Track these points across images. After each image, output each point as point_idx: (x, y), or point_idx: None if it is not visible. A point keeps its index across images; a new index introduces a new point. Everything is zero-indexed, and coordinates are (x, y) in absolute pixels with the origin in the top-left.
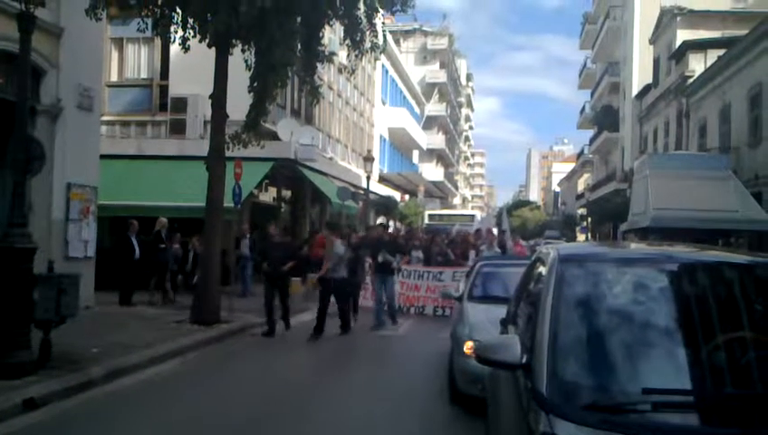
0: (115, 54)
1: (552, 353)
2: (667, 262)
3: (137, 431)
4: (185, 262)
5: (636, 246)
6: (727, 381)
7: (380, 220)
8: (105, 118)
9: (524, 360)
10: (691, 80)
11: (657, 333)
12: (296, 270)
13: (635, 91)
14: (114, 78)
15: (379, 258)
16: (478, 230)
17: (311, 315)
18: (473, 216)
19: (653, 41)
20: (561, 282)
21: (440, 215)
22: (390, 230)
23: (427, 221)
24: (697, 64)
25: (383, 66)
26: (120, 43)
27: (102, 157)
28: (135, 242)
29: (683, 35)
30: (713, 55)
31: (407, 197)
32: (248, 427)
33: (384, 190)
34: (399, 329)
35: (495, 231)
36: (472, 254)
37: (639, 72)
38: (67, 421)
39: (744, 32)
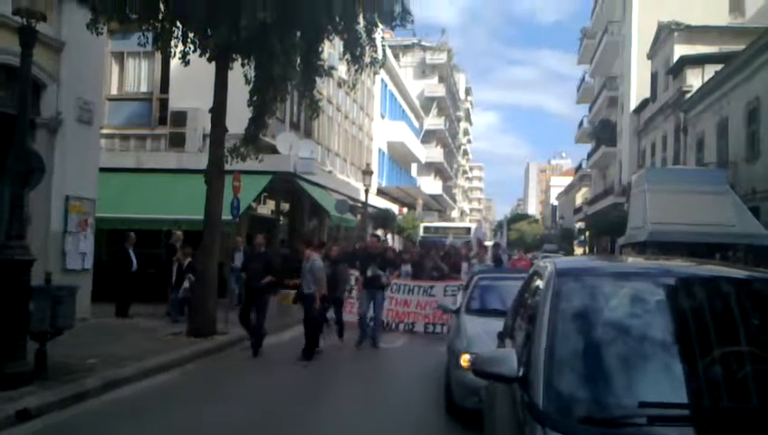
0: (115, 68)
1: (548, 367)
2: (665, 276)
3: None
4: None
5: (633, 260)
6: (724, 395)
7: (377, 233)
8: (105, 131)
9: (521, 373)
10: (689, 95)
11: (653, 347)
12: (278, 284)
13: (633, 105)
14: (114, 91)
15: (368, 272)
16: (468, 242)
17: (292, 333)
18: (468, 228)
19: (651, 56)
20: (558, 296)
21: (435, 227)
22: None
23: (422, 234)
24: (695, 79)
25: (382, 80)
26: (120, 56)
27: (102, 170)
28: (132, 254)
29: (680, 50)
30: (710, 70)
31: (405, 210)
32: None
33: (382, 203)
34: (393, 343)
35: (489, 244)
36: (464, 266)
37: (637, 87)
38: (61, 432)
39: (741, 47)
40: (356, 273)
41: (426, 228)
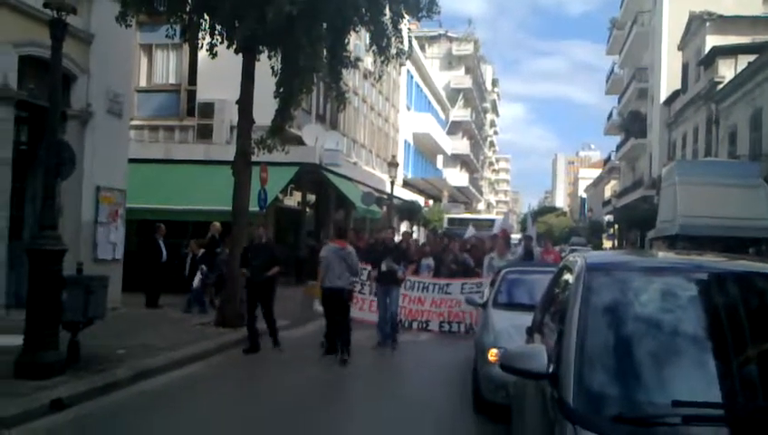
0: (144, 60)
1: (579, 363)
2: (696, 271)
3: (161, 433)
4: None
5: (664, 255)
6: (759, 394)
7: (401, 227)
8: (134, 122)
9: (551, 369)
10: (721, 86)
11: (686, 344)
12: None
13: (663, 97)
14: (143, 83)
15: (383, 266)
16: (495, 235)
17: (313, 326)
18: (493, 220)
19: (682, 46)
20: (589, 291)
21: (460, 219)
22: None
23: (446, 225)
24: (727, 70)
25: (408, 72)
26: (148, 48)
27: (131, 161)
28: (162, 245)
29: (712, 41)
30: (743, 61)
31: (431, 202)
32: (274, 428)
33: (408, 195)
34: (417, 337)
35: (517, 236)
36: (486, 260)
37: (668, 78)
38: (93, 422)
39: None
40: (368, 267)
41: (450, 220)
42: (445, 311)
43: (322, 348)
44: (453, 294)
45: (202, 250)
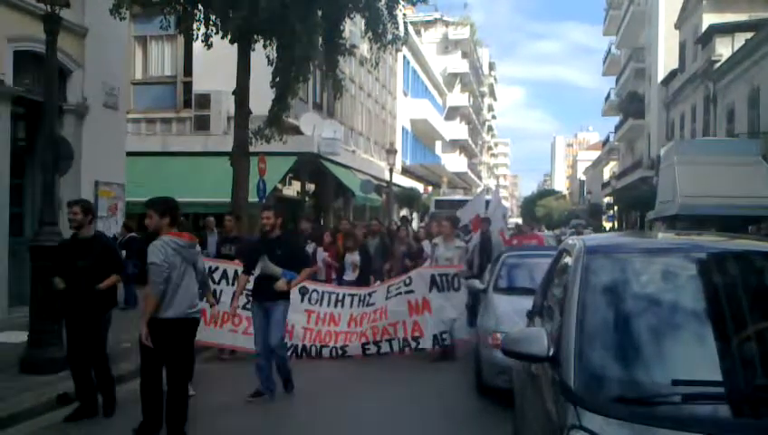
0: (139, 52)
1: (579, 345)
2: (696, 251)
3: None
4: None
5: (663, 236)
6: (758, 372)
7: (403, 213)
8: (130, 115)
9: (551, 352)
10: (718, 64)
11: (686, 324)
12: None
13: (661, 76)
14: (139, 76)
15: (256, 270)
16: (486, 219)
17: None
18: (488, 201)
19: (678, 25)
20: (588, 273)
21: (450, 201)
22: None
23: (433, 209)
24: (724, 48)
25: (404, 57)
26: (143, 40)
27: (128, 154)
28: None
29: (709, 19)
30: (740, 39)
31: (430, 188)
32: (292, 418)
33: (407, 182)
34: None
35: (516, 220)
36: (427, 247)
37: (665, 58)
38: (99, 416)
39: None
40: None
41: (438, 203)
42: (368, 329)
43: None
44: (377, 303)
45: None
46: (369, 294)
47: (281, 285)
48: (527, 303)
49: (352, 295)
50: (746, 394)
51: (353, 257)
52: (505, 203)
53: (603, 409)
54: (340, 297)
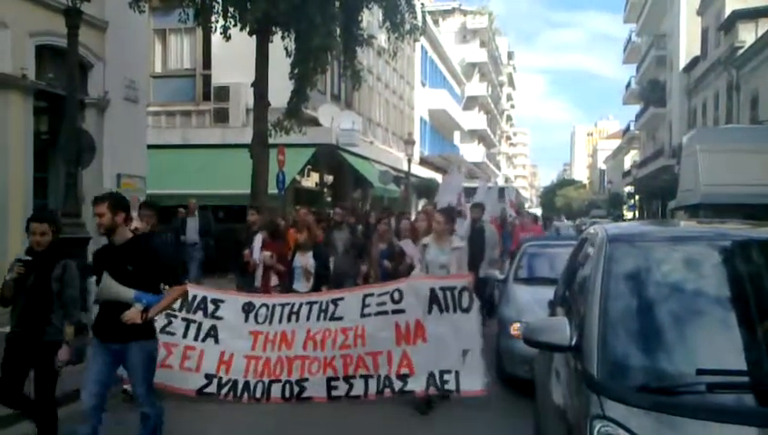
0: (158, 45)
1: (602, 335)
2: (720, 240)
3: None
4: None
5: (686, 224)
6: None
7: (423, 204)
8: (150, 108)
9: (574, 341)
10: (741, 51)
11: (709, 313)
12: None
13: (682, 64)
14: (158, 69)
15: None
16: (478, 205)
17: None
18: (503, 189)
19: (701, 11)
20: (611, 262)
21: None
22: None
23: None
24: (748, 34)
25: (422, 47)
26: (162, 34)
27: (149, 147)
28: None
29: (732, 5)
30: (764, 25)
31: None
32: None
33: (425, 173)
34: None
35: (535, 211)
36: (411, 248)
37: (687, 45)
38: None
39: None
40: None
41: None
42: (336, 355)
43: None
44: (347, 317)
45: None
46: (335, 302)
47: (131, 315)
48: (548, 293)
49: (310, 304)
50: None
51: (305, 260)
52: (524, 193)
53: (627, 398)
54: (296, 308)
